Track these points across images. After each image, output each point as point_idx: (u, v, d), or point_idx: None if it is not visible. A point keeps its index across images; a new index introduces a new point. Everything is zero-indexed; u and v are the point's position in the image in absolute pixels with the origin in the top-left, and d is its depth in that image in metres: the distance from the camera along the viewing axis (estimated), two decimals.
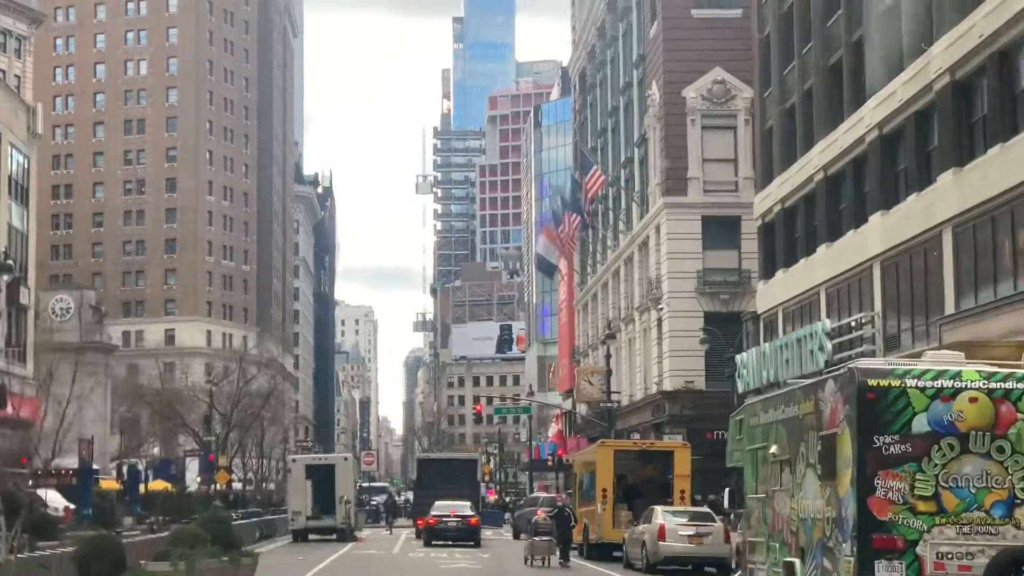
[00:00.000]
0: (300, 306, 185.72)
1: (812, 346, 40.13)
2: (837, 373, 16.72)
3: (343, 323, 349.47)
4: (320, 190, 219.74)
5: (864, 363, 16.72)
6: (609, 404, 56.29)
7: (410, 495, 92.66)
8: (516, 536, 55.69)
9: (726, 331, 62.38)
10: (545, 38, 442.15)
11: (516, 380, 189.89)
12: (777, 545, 18.76)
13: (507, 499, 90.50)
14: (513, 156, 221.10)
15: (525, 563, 33.46)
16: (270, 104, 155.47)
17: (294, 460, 56.06)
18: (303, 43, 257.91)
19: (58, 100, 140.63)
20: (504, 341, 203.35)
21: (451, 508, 47.17)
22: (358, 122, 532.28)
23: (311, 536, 51.16)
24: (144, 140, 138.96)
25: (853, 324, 38.45)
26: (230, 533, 20.46)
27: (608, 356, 58.52)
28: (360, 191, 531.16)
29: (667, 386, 63.94)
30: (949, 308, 31.57)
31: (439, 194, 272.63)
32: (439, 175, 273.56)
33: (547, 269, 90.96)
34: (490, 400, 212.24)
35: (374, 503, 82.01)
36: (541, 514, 47.54)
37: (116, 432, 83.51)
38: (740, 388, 49.51)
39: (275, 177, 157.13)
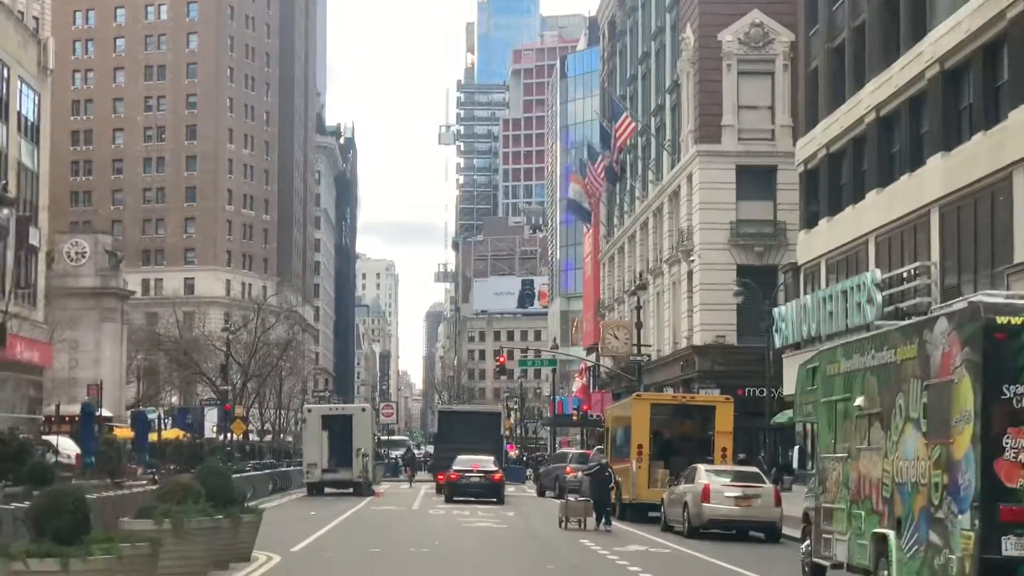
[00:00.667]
0: (321, 257, 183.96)
1: (860, 298, 37.89)
2: (952, 309, 14.03)
3: (364, 277, 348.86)
4: (342, 141, 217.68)
5: (989, 296, 13.90)
6: (638, 358, 54.12)
7: (429, 449, 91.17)
8: (541, 493, 53.79)
9: (760, 284, 60.33)
10: None
11: (538, 335, 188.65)
12: (863, 513, 16.21)
13: (525, 456, 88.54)
14: (537, 110, 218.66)
15: (560, 525, 31.03)
16: (292, 52, 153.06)
17: (309, 410, 53.37)
18: None
19: (77, 45, 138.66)
20: (526, 296, 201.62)
21: (474, 463, 45.02)
22: (381, 76, 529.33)
23: (327, 490, 49.28)
24: (164, 86, 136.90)
25: (906, 275, 36.17)
26: (229, 486, 18.22)
27: (638, 308, 56.33)
28: (382, 145, 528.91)
29: (697, 341, 61.85)
30: (1019, 256, 29.23)
31: (462, 148, 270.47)
32: (462, 129, 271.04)
33: (582, 214, 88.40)
34: (511, 355, 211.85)
35: (392, 457, 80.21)
36: (570, 471, 45.53)
37: (133, 380, 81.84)
38: (777, 342, 47.36)
39: (296, 126, 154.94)
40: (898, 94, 37.08)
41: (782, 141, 61.48)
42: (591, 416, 77.54)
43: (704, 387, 59.22)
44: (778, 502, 28.78)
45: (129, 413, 72.41)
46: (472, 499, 43.96)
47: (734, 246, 61.57)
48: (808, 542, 19.21)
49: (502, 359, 69.03)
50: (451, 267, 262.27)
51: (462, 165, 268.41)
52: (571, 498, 31.55)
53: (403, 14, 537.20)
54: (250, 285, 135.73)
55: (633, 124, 68.79)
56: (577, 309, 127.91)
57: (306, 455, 49.74)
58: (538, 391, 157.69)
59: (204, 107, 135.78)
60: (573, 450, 53.88)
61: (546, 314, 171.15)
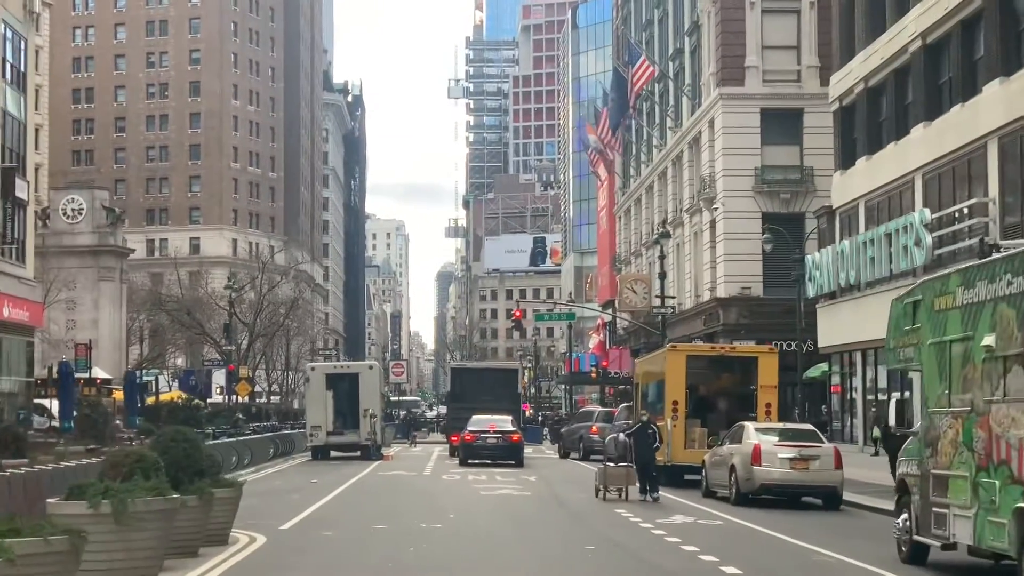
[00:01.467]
0: (329, 216, 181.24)
1: (906, 241, 34.97)
2: None
3: (374, 236, 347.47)
4: (350, 99, 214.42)
5: None
6: (662, 310, 51.22)
7: (442, 410, 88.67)
8: (564, 455, 50.55)
9: (787, 233, 57.65)
10: None
11: (550, 293, 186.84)
12: (996, 483, 12.99)
13: (540, 415, 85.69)
14: (547, 67, 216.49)
15: (596, 495, 27.18)
16: (297, 5, 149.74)
17: (313, 368, 49.84)
18: None
19: (77, 1, 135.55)
20: (538, 254, 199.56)
21: (490, 423, 42.07)
22: (389, 36, 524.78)
23: (333, 453, 46.43)
24: (167, 42, 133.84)
25: (957, 214, 33.24)
26: (198, 456, 15.05)
27: (661, 257, 53.43)
28: (391, 106, 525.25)
29: (721, 292, 59.01)
30: None
31: (471, 105, 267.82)
32: (471, 86, 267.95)
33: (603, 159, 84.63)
34: (524, 314, 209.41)
35: (403, 416, 77.63)
36: (596, 431, 42.91)
37: (135, 342, 79.23)
38: (811, 292, 44.52)
39: (303, 82, 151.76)
40: (948, 17, 34.01)
41: (809, 82, 58.58)
42: (611, 373, 74.72)
43: (729, 340, 56.48)
44: (839, 464, 25.41)
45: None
46: (488, 462, 41.34)
47: (759, 193, 58.67)
48: (905, 516, 16.00)
49: (518, 313, 65.77)
50: (462, 223, 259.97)
51: (472, 123, 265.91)
52: (610, 464, 27.89)
53: None
54: (257, 244, 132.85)
55: (652, 68, 65.70)
56: (591, 265, 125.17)
57: (309, 417, 46.59)
58: (552, 349, 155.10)
59: (207, 63, 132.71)
60: (598, 408, 50.73)
61: (559, 272, 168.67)
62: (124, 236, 78.90)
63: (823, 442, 26.64)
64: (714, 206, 58.95)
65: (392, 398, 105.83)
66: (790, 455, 25.26)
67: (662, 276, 53.41)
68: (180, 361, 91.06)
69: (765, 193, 58.60)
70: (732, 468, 25.81)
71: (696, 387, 31.69)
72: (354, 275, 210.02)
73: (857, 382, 41.57)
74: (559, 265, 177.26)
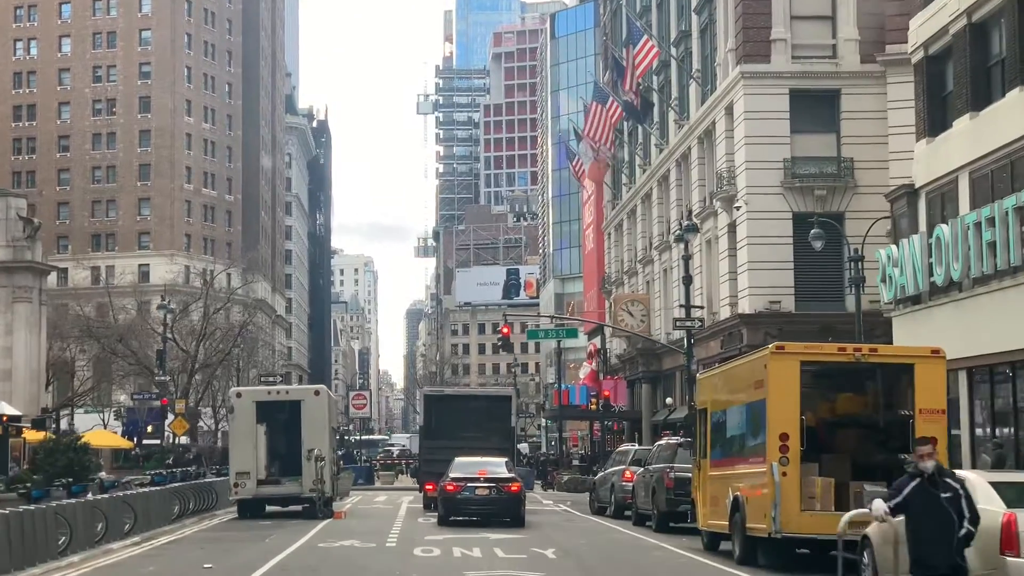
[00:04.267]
0: (293, 246, 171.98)
1: None
2: None
3: (342, 272, 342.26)
4: (315, 124, 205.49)
5: None
6: (688, 323, 41.35)
7: (407, 443, 78.30)
8: (598, 511, 38.27)
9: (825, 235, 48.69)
10: None
11: (524, 328, 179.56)
12: None
13: (527, 455, 75.33)
14: (519, 95, 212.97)
15: None
16: (257, 19, 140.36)
17: (239, 395, 36.36)
18: None
19: (19, 11, 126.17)
20: (511, 286, 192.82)
21: (479, 468, 31.42)
22: (356, 69, 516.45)
23: (268, 508, 35.84)
24: (115, 54, 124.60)
25: None
26: None
27: (687, 257, 43.62)
28: (357, 141, 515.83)
29: (745, 308, 49.55)
30: None
31: (441, 136, 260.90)
32: (440, 116, 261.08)
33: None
34: (497, 350, 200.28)
35: (369, 459, 67.41)
36: (630, 477, 33.30)
37: (61, 375, 69.24)
38: (886, 296, 35.04)
39: (263, 100, 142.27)
40: None
41: (847, 58, 49.56)
42: (615, 408, 64.72)
43: None
44: None
45: (46, 413, 60.11)
46: (477, 519, 31.20)
47: (789, 189, 49.38)
48: None
49: (505, 330, 55.34)
50: (431, 242, 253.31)
51: (442, 153, 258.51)
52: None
53: (379, 6, 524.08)
54: (212, 272, 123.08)
55: (656, 49, 56.41)
56: (573, 291, 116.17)
57: (234, 460, 34.67)
58: (534, 380, 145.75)
59: (159, 77, 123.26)
60: (633, 446, 39.72)
61: (534, 304, 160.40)
62: (42, 252, 68.62)
63: None
64: (736, 204, 49.52)
65: (356, 436, 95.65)
66: None
67: (687, 281, 43.74)
68: (123, 397, 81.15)
69: (796, 189, 49.34)
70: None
71: (816, 411, 20.77)
72: (319, 309, 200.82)
73: (965, 411, 31.30)
74: (534, 298, 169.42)
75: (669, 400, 63.28)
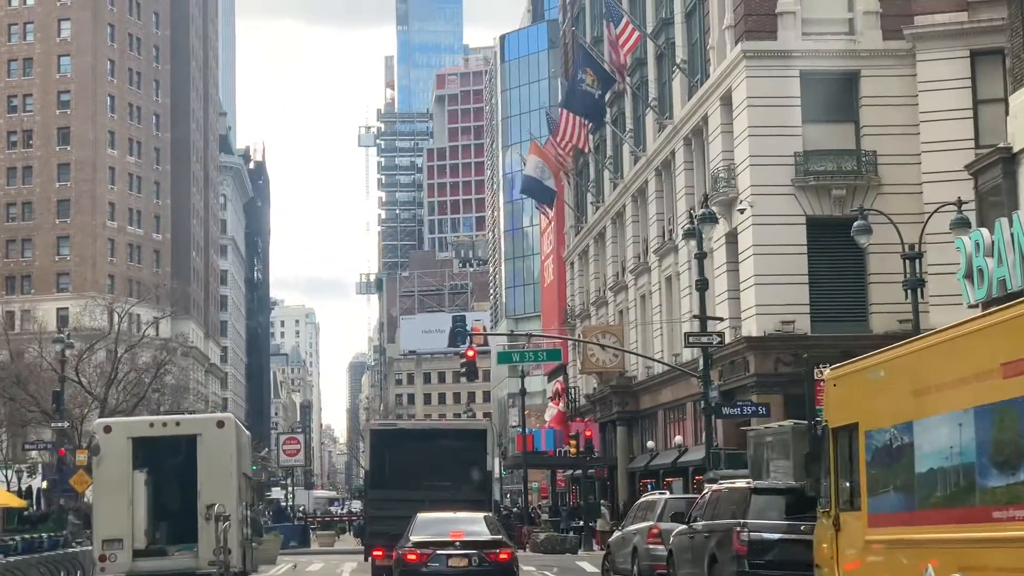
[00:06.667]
0: (229, 291, 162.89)
1: None
2: None
3: (283, 324, 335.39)
4: (252, 166, 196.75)
5: None
6: (705, 341, 32.84)
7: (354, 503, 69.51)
8: None
9: (840, 244, 41.27)
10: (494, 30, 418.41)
11: (470, 377, 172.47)
12: None
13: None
14: (463, 138, 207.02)
15: None
16: (188, 47, 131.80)
17: (107, 428, 26.09)
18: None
19: None
20: (458, 333, 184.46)
21: (453, 527, 22.61)
22: (295, 122, 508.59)
23: None
24: (31, 83, 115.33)
25: None
26: None
27: (701, 256, 35.20)
28: (298, 191, 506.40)
29: (752, 330, 41.69)
30: None
31: (383, 181, 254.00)
32: (383, 160, 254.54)
33: (544, 195, 67.74)
34: (443, 399, 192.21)
35: (304, 516, 58.36)
36: (656, 534, 24.79)
37: None
38: (973, 296, 27.02)
39: (194, 133, 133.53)
40: None
41: (867, 34, 42.25)
42: (596, 455, 55.92)
43: (765, 395, 39.03)
44: None
45: None
46: None
47: (801, 189, 41.74)
48: None
49: (471, 353, 45.86)
50: (373, 272, 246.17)
51: (384, 199, 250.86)
52: None
53: (320, 55, 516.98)
54: (139, 316, 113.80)
55: (638, 33, 48.64)
56: (529, 329, 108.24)
57: (99, 522, 24.85)
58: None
59: (79, 106, 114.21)
60: (664, 495, 30.77)
61: (484, 351, 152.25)
62: None
63: None
64: (739, 207, 41.60)
65: (290, 490, 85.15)
66: None
67: (702, 286, 35.38)
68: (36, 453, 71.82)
69: (809, 188, 41.72)
70: None
71: None
72: (258, 359, 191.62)
73: None
74: (482, 346, 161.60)
75: (650, 444, 55.15)
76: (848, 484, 16.01)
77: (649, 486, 55.40)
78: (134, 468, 23.51)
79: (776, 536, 18.86)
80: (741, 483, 21.37)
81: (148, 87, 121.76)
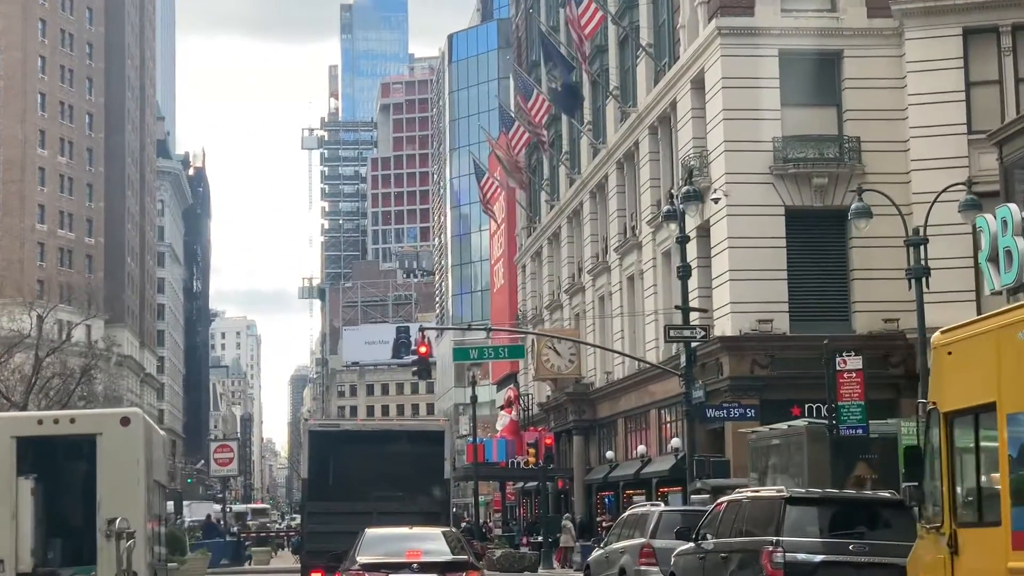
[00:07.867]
0: (167, 300, 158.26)
1: None
2: None
3: (223, 336, 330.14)
4: (191, 172, 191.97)
5: None
6: (688, 334, 29.44)
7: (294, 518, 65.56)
8: None
9: (822, 237, 38.39)
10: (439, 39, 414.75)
11: (415, 388, 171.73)
12: None
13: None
14: (408, 148, 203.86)
15: None
16: (122, 42, 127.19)
17: None
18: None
19: None
20: (401, 344, 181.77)
21: (408, 545, 18.79)
22: (236, 130, 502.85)
23: None
24: None
25: None
26: None
27: (683, 239, 31.61)
28: (238, 201, 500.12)
29: (726, 329, 38.41)
30: None
31: (327, 190, 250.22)
32: (326, 170, 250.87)
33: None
34: (387, 411, 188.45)
35: (236, 532, 54.25)
36: (648, 555, 21.22)
37: None
38: (999, 282, 23.76)
39: (129, 134, 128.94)
40: None
41: (851, 11, 39.25)
42: (553, 467, 51.93)
43: (743, 402, 35.51)
44: None
45: None
46: None
47: (780, 177, 38.61)
48: None
49: (423, 349, 41.72)
50: (316, 281, 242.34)
51: (327, 209, 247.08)
52: None
53: (263, 63, 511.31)
54: (68, 322, 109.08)
55: (601, 12, 45.29)
56: (476, 339, 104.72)
57: None
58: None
59: (7, 104, 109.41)
60: (658, 507, 26.63)
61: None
62: None
63: None
64: (712, 197, 38.26)
65: (234, 506, 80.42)
66: None
67: (684, 274, 31.88)
68: None
69: (789, 177, 38.58)
70: None
71: None
72: (196, 370, 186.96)
73: None
74: (431, 357, 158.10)
75: (610, 454, 51.74)
76: (975, 489, 12.19)
77: (607, 499, 51.99)
78: (19, 474, 19.01)
79: (818, 559, 15.19)
80: (770, 491, 17.52)
81: (81, 85, 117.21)
